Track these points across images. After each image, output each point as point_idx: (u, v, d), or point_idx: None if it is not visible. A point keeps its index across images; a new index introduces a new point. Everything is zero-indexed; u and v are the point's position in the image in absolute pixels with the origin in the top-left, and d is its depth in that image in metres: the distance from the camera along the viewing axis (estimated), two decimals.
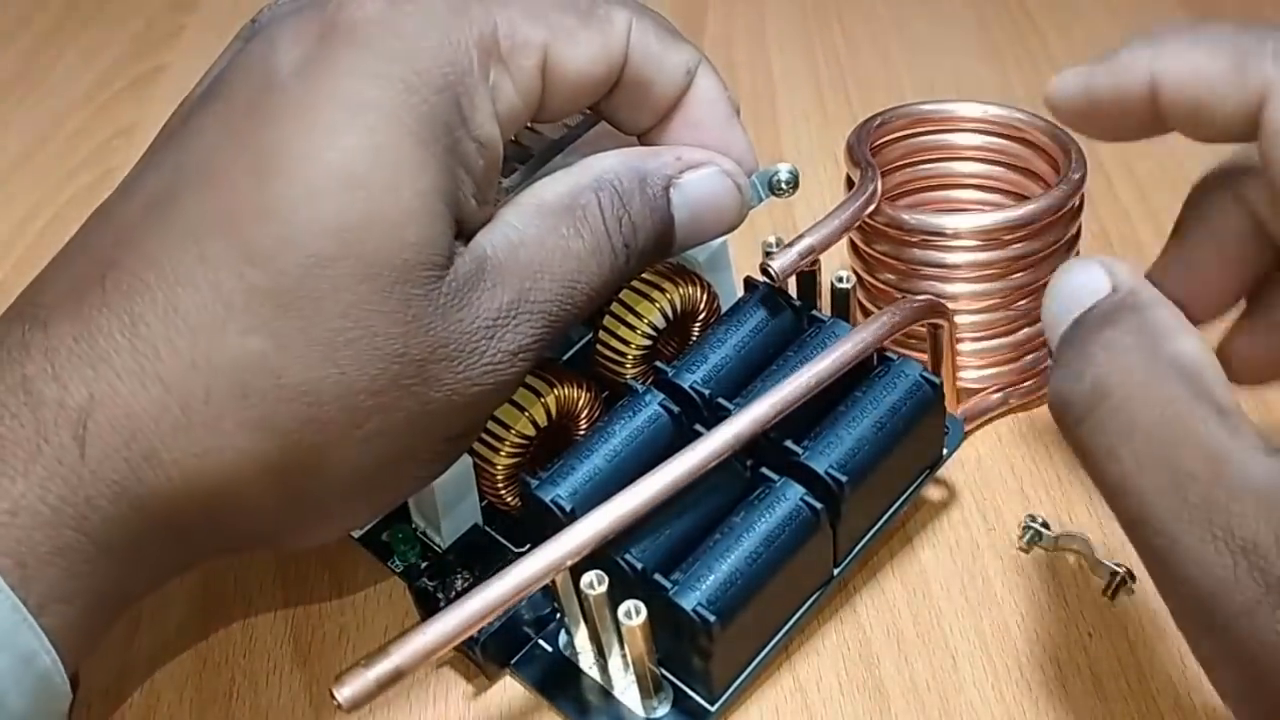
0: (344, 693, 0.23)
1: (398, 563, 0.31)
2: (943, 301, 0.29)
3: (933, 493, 0.33)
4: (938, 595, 0.30)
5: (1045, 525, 0.31)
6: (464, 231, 0.25)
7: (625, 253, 0.27)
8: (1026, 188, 0.36)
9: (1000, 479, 0.33)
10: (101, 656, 0.30)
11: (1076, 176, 0.32)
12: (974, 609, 0.30)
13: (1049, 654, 0.29)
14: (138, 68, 0.53)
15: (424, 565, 0.30)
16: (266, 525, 0.25)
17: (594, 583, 0.25)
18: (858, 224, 0.32)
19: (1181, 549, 0.19)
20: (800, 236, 0.30)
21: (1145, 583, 0.29)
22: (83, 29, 0.56)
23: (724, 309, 0.32)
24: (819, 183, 0.44)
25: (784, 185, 0.30)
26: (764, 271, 0.29)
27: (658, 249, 0.28)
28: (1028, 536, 0.31)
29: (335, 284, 0.23)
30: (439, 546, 0.31)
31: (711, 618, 0.25)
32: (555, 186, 0.26)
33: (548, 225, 0.26)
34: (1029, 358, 0.34)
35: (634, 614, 0.25)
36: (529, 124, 0.31)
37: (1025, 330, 0.34)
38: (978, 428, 0.34)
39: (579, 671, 0.29)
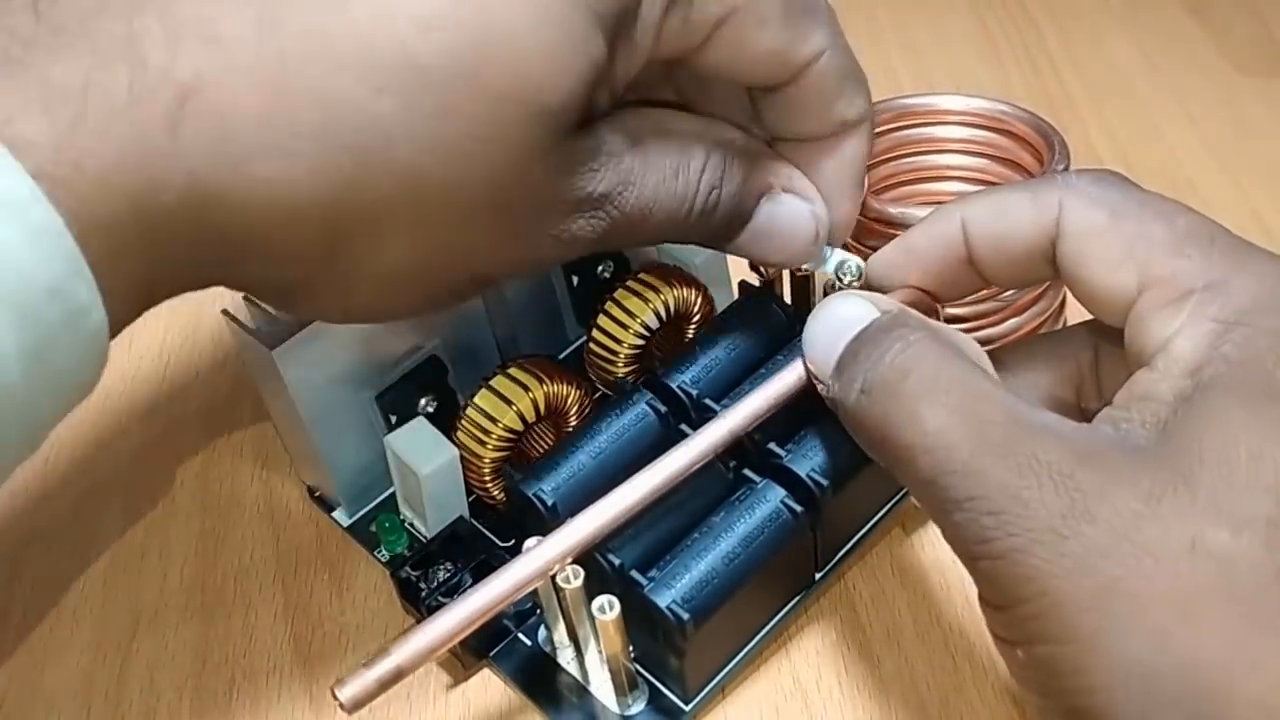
0: (345, 693, 0.23)
1: (384, 552, 0.32)
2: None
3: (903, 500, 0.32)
4: (938, 595, 0.30)
5: None
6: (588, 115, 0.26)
7: (692, 216, 0.27)
8: (1011, 179, 0.35)
9: None
10: (102, 656, 0.31)
11: (1060, 168, 0.32)
12: (974, 609, 0.29)
13: None
14: None
15: (408, 555, 0.30)
16: (293, 269, 0.24)
17: (570, 576, 0.25)
18: None
19: (988, 480, 0.21)
20: None
21: None
22: None
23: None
24: None
25: (848, 275, 0.29)
26: (755, 270, 0.29)
27: (716, 236, 0.28)
28: None
29: (482, 89, 0.22)
30: (424, 537, 0.31)
31: (685, 616, 0.25)
32: (682, 124, 0.27)
33: (658, 150, 0.26)
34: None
35: (607, 609, 0.25)
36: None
37: (1011, 321, 0.34)
38: None
39: (557, 666, 0.29)
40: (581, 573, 0.25)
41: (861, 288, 0.28)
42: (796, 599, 0.29)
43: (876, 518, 0.30)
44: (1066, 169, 0.32)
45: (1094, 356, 0.26)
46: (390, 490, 0.33)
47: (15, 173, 0.20)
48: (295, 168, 0.22)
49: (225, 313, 0.29)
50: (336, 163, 0.22)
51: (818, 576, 0.29)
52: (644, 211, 0.26)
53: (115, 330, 0.23)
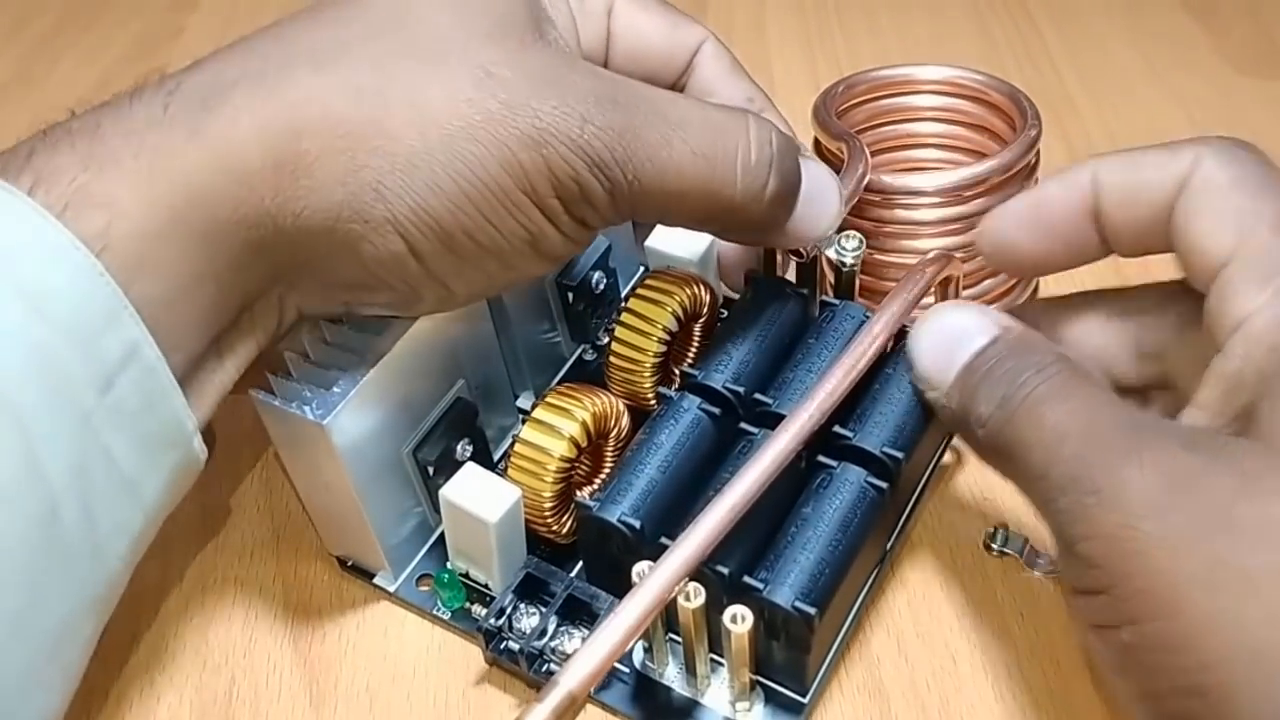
0: None
1: (443, 610, 0.30)
2: (952, 253, 0.30)
3: (934, 492, 0.33)
4: (938, 595, 0.31)
5: (1005, 536, 0.31)
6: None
7: (753, 164, 0.26)
8: (985, 145, 0.37)
9: (1000, 479, 0.33)
10: (103, 656, 0.30)
11: (1033, 132, 0.34)
12: (974, 609, 0.30)
13: (1049, 654, 0.29)
14: (138, 68, 0.52)
15: (471, 606, 0.30)
16: (337, 195, 0.24)
17: (691, 594, 0.25)
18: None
19: (1093, 463, 0.22)
20: None
21: None
22: (83, 30, 0.56)
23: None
24: None
25: (850, 246, 0.29)
26: (795, 254, 0.30)
27: (779, 206, 0.27)
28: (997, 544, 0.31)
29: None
30: (485, 587, 0.30)
31: (811, 610, 0.25)
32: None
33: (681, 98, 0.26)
34: (992, 307, 0.35)
35: (740, 620, 0.25)
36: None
37: (988, 280, 0.35)
38: None
39: (663, 686, 0.28)
40: (702, 590, 0.25)
41: (977, 246, 0.28)
42: (875, 572, 0.29)
43: (923, 481, 0.31)
44: (1038, 133, 0.34)
45: (1178, 319, 0.27)
46: (427, 545, 0.31)
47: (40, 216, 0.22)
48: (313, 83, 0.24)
49: (254, 392, 0.27)
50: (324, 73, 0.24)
51: (889, 547, 0.30)
52: (666, 128, 0.25)
53: (196, 364, 0.25)
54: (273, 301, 0.26)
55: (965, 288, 0.34)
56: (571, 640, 0.28)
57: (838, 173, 0.29)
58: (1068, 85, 0.48)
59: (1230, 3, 0.52)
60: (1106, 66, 0.49)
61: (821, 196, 0.28)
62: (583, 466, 0.31)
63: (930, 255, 0.30)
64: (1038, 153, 0.34)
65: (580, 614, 0.29)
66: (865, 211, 0.33)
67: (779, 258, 0.32)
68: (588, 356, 0.35)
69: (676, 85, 0.31)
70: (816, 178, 0.28)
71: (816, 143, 0.35)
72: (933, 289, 0.30)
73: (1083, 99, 0.47)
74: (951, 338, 0.26)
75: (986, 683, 0.29)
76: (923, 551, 0.31)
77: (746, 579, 0.26)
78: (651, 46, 0.30)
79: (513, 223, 0.25)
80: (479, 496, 0.28)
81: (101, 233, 0.23)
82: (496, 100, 0.24)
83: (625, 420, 0.30)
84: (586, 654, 0.23)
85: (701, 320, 0.32)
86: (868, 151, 0.32)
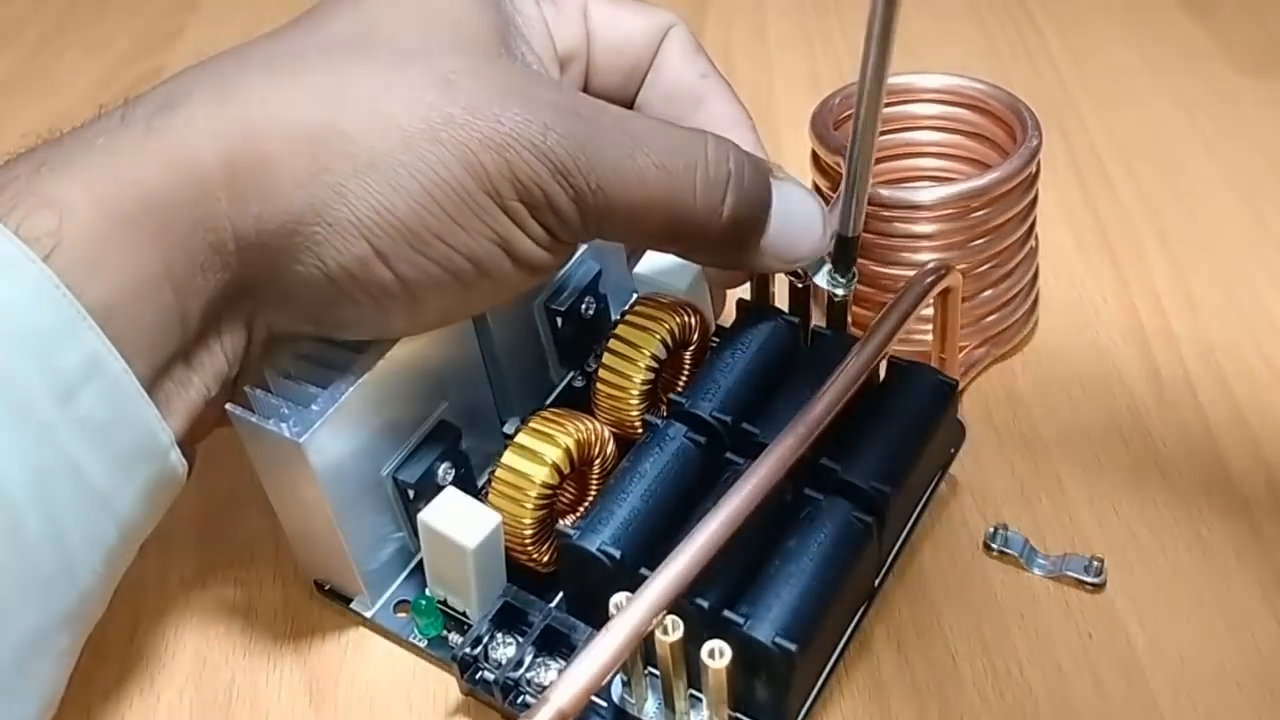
0: None
1: (420, 637, 0.30)
2: (951, 264, 0.30)
3: (932, 492, 0.33)
4: (938, 595, 0.30)
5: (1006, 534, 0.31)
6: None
7: (719, 203, 0.26)
8: (985, 154, 0.36)
9: (1001, 480, 0.33)
10: (103, 655, 0.30)
11: (1034, 143, 0.33)
12: (974, 609, 0.30)
13: (1049, 654, 0.29)
14: (138, 68, 0.52)
15: (448, 634, 0.29)
16: (291, 194, 0.24)
17: (669, 627, 0.24)
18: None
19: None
20: None
21: (1146, 583, 0.29)
22: (83, 29, 0.56)
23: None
24: None
25: (841, 279, 0.29)
26: (794, 275, 0.29)
27: (748, 229, 0.27)
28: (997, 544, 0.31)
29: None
30: (463, 615, 0.30)
31: (792, 646, 0.25)
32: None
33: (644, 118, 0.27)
34: (993, 316, 0.35)
35: (718, 655, 0.24)
36: None
37: (989, 291, 0.35)
38: (970, 382, 0.35)
39: None
40: (680, 623, 0.24)
41: None
42: (862, 610, 0.29)
43: (915, 516, 0.31)
44: (1039, 144, 0.33)
45: None
46: (407, 571, 0.31)
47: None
48: (285, 87, 0.25)
49: (231, 407, 0.27)
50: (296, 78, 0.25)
51: (877, 584, 0.29)
52: (629, 140, 0.25)
53: (159, 369, 0.25)
54: (240, 317, 0.26)
55: (969, 297, 0.34)
56: (548, 672, 0.28)
57: (837, 185, 0.29)
58: (1068, 86, 0.48)
59: (1230, 3, 0.52)
60: (1107, 67, 0.49)
61: (800, 218, 0.28)
62: (566, 494, 0.30)
63: (928, 266, 0.29)
64: (1039, 163, 0.34)
65: (558, 645, 0.28)
66: (873, 226, 0.33)
67: (772, 285, 0.31)
68: (577, 383, 0.35)
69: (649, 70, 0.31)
70: (793, 199, 0.28)
71: (815, 155, 0.35)
72: (931, 301, 0.30)
73: (1083, 100, 0.47)
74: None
75: (986, 683, 0.28)
76: (923, 552, 0.31)
77: (726, 613, 0.25)
78: (630, 39, 0.30)
79: (479, 223, 0.25)
80: (457, 522, 0.27)
81: (52, 232, 0.23)
82: (458, 105, 0.24)
83: (610, 447, 0.30)
84: (577, 671, 0.23)
85: (692, 348, 0.32)
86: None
